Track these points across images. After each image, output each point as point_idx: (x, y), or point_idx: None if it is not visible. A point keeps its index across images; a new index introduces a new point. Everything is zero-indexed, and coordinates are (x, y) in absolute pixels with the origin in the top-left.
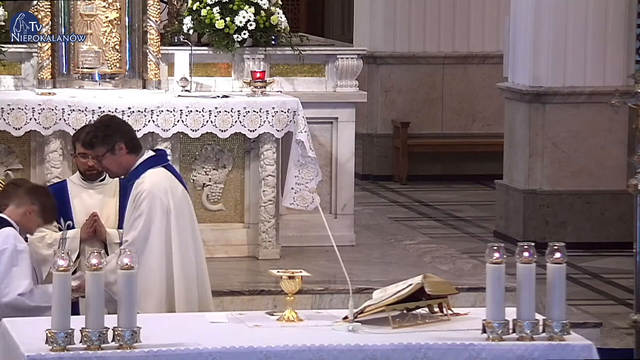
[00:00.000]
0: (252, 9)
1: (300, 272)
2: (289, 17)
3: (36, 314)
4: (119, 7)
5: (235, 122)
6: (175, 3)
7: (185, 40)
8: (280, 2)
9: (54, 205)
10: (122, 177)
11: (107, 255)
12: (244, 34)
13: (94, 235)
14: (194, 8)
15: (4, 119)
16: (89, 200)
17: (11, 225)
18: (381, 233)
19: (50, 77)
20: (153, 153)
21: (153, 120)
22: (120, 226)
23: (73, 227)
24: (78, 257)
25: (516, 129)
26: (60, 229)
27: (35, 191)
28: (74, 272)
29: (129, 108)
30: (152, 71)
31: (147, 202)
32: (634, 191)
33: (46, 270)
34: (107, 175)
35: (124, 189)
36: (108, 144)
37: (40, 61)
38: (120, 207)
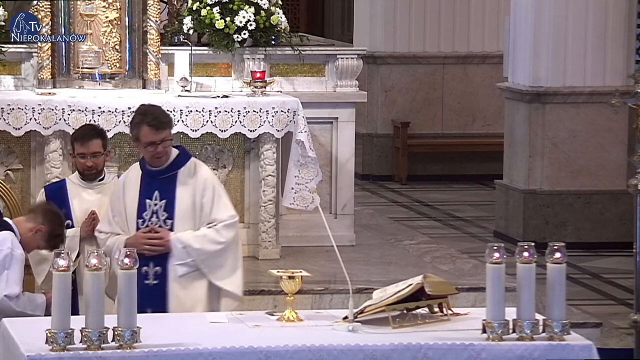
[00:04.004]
0: (252, 9)
1: (300, 272)
2: (289, 17)
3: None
4: (119, 7)
5: (235, 122)
6: (175, 3)
7: (185, 40)
8: (280, 2)
9: (62, 234)
10: (155, 168)
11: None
12: (244, 34)
13: (93, 234)
14: (194, 8)
15: (4, 119)
16: (88, 199)
17: (12, 231)
18: (381, 233)
19: (50, 77)
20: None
21: None
22: None
23: (72, 226)
24: (78, 256)
25: (516, 129)
26: None
27: (51, 215)
28: (73, 272)
29: (129, 108)
30: (152, 71)
31: (220, 184)
32: (634, 191)
33: (45, 269)
34: (105, 175)
35: None
36: (172, 128)
37: (40, 61)
38: None
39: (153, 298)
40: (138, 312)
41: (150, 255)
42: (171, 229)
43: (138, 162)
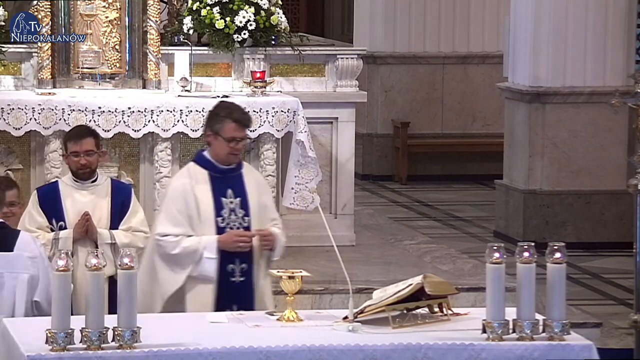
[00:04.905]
0: (252, 9)
1: (300, 272)
2: (289, 17)
3: None
4: (119, 7)
5: None
6: (175, 3)
7: (185, 40)
8: (280, 2)
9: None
10: (226, 166)
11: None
12: (244, 34)
13: (86, 236)
14: (194, 8)
15: (4, 119)
16: (81, 200)
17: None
18: (381, 233)
19: (50, 77)
20: None
21: (153, 120)
22: (112, 227)
23: (65, 228)
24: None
25: (516, 129)
26: (52, 230)
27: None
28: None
29: (129, 108)
30: (152, 71)
31: None
32: (634, 191)
33: None
34: (98, 176)
35: (117, 190)
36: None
37: (40, 61)
38: (112, 208)
39: (240, 295)
40: (223, 310)
41: (236, 253)
42: (248, 226)
43: (192, 162)
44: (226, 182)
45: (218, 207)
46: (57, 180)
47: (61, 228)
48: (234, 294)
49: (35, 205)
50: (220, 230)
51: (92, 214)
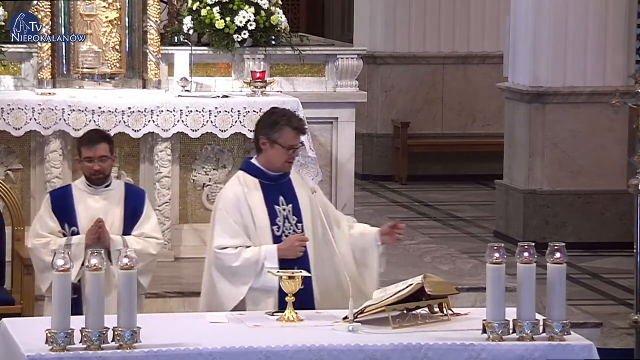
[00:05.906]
0: (252, 9)
1: (300, 272)
2: (289, 17)
3: None
4: (119, 7)
5: (235, 122)
6: (175, 3)
7: (185, 40)
8: (280, 2)
9: None
10: (276, 172)
11: (110, 258)
12: (244, 34)
13: (98, 242)
14: (194, 8)
15: (4, 119)
16: (94, 205)
17: None
18: None
19: (50, 77)
20: None
21: (153, 120)
22: (125, 232)
23: (77, 233)
24: (83, 263)
25: (516, 129)
26: (64, 235)
27: None
28: (79, 280)
29: (129, 108)
30: (152, 71)
31: None
32: (634, 191)
33: (50, 277)
34: (111, 181)
35: (131, 196)
36: None
37: (40, 61)
38: (125, 214)
39: (302, 301)
40: None
41: (294, 260)
42: (301, 232)
43: (240, 170)
44: (277, 189)
45: (272, 216)
46: (70, 184)
47: (74, 233)
48: (296, 300)
49: (47, 209)
50: (276, 239)
51: (104, 219)
